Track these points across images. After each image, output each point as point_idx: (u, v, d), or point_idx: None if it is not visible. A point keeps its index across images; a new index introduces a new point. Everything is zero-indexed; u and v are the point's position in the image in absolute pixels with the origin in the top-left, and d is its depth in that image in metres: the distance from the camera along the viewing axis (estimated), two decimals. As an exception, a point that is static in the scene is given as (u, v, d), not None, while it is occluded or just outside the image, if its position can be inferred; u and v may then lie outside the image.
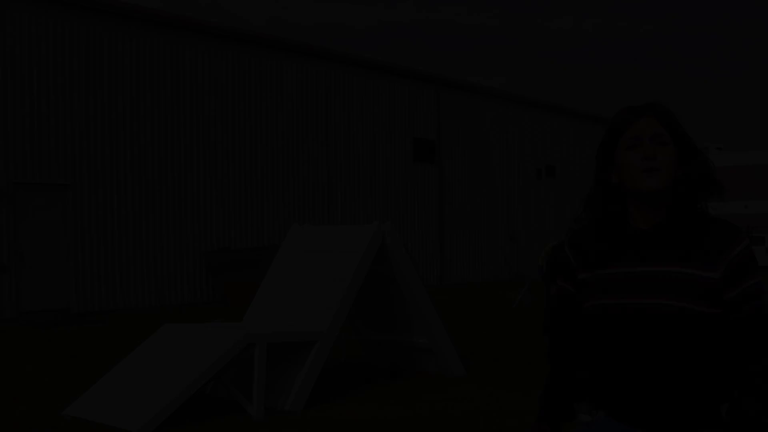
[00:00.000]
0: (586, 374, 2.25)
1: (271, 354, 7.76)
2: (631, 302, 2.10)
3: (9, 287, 14.89)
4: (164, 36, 17.57)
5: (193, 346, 7.56)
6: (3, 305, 14.80)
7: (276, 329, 7.99)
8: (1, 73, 14.98)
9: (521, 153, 27.84)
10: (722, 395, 2.11)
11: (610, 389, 2.16)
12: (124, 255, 16.60)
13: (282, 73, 19.98)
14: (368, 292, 8.84)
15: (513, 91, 28.58)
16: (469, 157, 25.76)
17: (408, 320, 8.97)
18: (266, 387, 7.37)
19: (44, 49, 15.55)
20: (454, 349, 9.25)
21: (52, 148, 15.62)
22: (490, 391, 8.20)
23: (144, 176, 17.03)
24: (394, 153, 23.04)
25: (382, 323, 9.32)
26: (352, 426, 6.79)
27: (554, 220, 29.19)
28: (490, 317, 14.83)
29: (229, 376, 7.84)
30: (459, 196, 25.32)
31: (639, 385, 2.10)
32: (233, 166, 18.73)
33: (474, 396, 8.02)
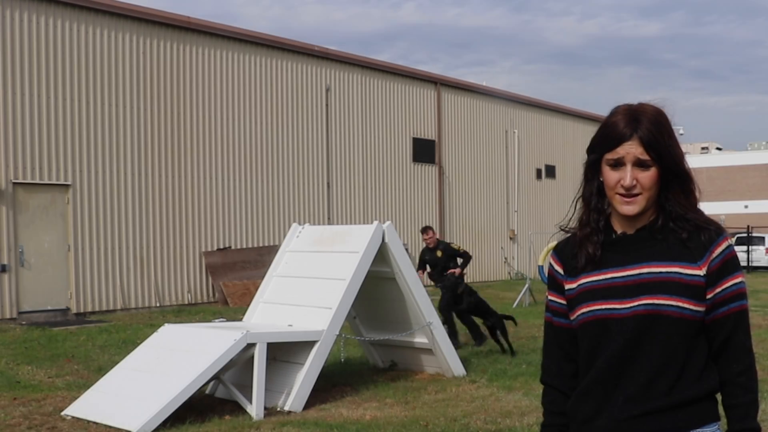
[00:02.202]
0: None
1: (271, 354, 7.76)
2: (618, 307, 2.09)
3: (9, 287, 14.89)
4: (165, 36, 17.56)
5: (193, 346, 7.56)
6: (3, 305, 14.80)
7: (276, 329, 8.00)
8: (0, 73, 14.98)
9: (521, 153, 27.84)
10: (706, 392, 2.10)
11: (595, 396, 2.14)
12: (124, 255, 16.59)
13: (282, 73, 19.98)
14: (368, 292, 8.84)
15: (513, 92, 28.59)
16: (469, 157, 25.75)
17: (408, 320, 8.97)
18: (266, 387, 7.37)
19: (44, 48, 15.54)
20: (454, 349, 9.25)
21: (52, 148, 15.61)
22: (490, 391, 8.20)
23: (144, 176, 17.02)
24: (394, 153, 23.04)
25: (382, 323, 9.32)
26: (353, 426, 6.78)
27: (554, 220, 29.12)
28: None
29: (229, 376, 7.84)
30: (459, 196, 25.31)
31: (628, 386, 2.09)
32: (233, 165, 18.72)
33: (474, 396, 8.02)
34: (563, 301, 2.24)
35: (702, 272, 2.08)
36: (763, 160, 49.27)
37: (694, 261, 2.08)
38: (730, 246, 2.11)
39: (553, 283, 2.29)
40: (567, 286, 2.22)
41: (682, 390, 2.07)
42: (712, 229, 2.11)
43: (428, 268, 12.42)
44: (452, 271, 11.73)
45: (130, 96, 16.85)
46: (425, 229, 12.39)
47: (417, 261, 12.79)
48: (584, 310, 2.15)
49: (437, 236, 12.53)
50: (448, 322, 10.72)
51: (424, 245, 12.46)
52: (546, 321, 2.33)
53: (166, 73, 17.52)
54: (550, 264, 2.30)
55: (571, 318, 2.20)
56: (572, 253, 2.22)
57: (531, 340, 11.69)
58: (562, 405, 2.26)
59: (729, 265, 2.10)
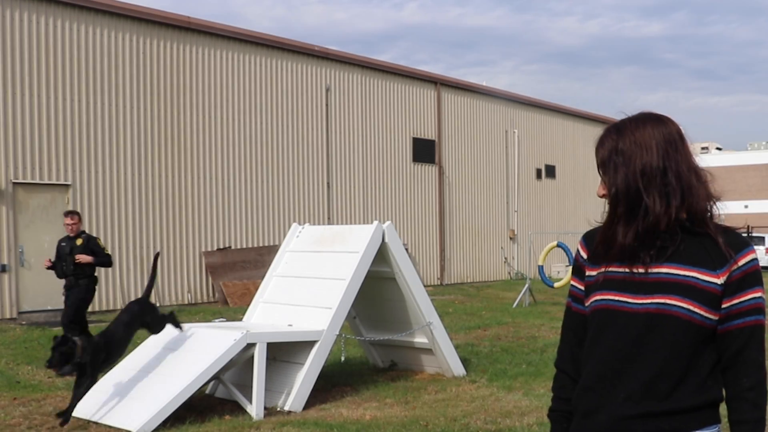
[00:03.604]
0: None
1: (271, 354, 7.76)
2: (630, 300, 2.11)
3: (9, 287, 14.89)
4: (165, 36, 17.56)
5: (193, 346, 7.56)
6: (3, 305, 14.79)
7: (276, 329, 8.00)
8: (0, 73, 14.98)
9: (521, 153, 27.84)
10: (708, 402, 2.10)
11: (592, 387, 2.16)
12: (124, 255, 16.60)
13: (282, 73, 19.98)
14: (368, 292, 8.84)
15: (514, 92, 28.58)
16: (469, 157, 25.75)
17: (408, 320, 8.97)
18: (266, 387, 7.37)
19: (44, 48, 15.54)
20: (454, 349, 9.25)
21: (52, 148, 15.61)
22: (490, 391, 8.21)
23: (144, 176, 17.03)
24: (394, 153, 23.04)
25: (382, 323, 9.32)
26: (352, 426, 6.78)
27: (554, 220, 29.18)
28: (490, 317, 14.83)
29: (229, 376, 7.84)
30: (459, 196, 25.31)
31: (627, 383, 2.10)
32: (233, 165, 18.72)
33: (474, 396, 8.02)
34: (583, 287, 2.28)
35: (720, 281, 2.08)
36: (763, 160, 49.28)
37: (714, 269, 2.08)
38: (754, 260, 2.11)
39: (577, 268, 2.32)
40: (588, 273, 2.25)
41: (684, 396, 2.07)
42: (739, 241, 2.12)
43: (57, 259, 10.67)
44: (81, 258, 10.23)
45: (130, 96, 16.85)
46: (69, 213, 10.55)
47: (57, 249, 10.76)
48: (597, 297, 2.18)
49: (81, 225, 10.63)
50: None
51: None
52: (566, 306, 2.38)
53: (166, 73, 17.52)
54: (577, 250, 2.35)
55: (586, 304, 2.23)
56: (596, 238, 2.26)
57: (531, 340, 11.69)
58: (570, 391, 2.28)
59: (750, 278, 2.09)
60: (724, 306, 2.08)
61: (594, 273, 2.23)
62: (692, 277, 2.08)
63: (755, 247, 31.06)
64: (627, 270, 2.15)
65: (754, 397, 2.08)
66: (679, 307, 2.06)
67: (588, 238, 2.31)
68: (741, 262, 2.09)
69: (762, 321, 2.11)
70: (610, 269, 2.18)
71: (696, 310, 2.06)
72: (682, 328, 2.06)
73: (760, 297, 2.10)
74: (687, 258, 2.10)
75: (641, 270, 2.13)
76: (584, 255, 2.29)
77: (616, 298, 2.14)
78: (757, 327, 2.09)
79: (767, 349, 2.18)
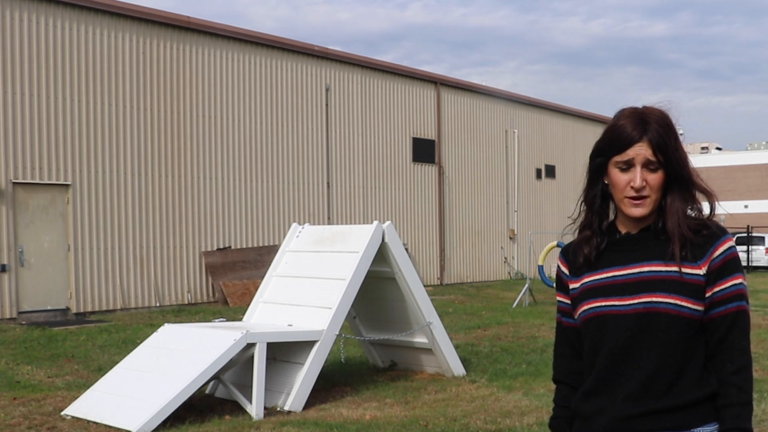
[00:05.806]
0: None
1: (271, 354, 7.76)
2: (618, 303, 2.12)
3: (9, 287, 14.89)
4: (165, 36, 17.56)
5: (193, 346, 7.56)
6: (3, 305, 14.79)
7: (276, 329, 8.00)
8: (0, 73, 14.98)
9: (521, 153, 27.84)
10: (706, 394, 2.11)
11: (593, 392, 2.17)
12: (124, 255, 16.60)
13: (282, 73, 19.98)
14: (368, 292, 8.84)
15: (517, 92, 28.59)
16: (469, 157, 25.76)
17: (408, 320, 8.97)
18: (266, 387, 7.38)
19: (44, 48, 15.55)
20: (454, 349, 9.25)
21: (52, 148, 15.61)
22: (490, 391, 8.21)
23: (144, 176, 17.03)
24: (394, 153, 23.04)
25: (382, 323, 9.32)
26: (352, 426, 6.78)
27: (554, 220, 29.17)
28: (490, 317, 14.83)
29: (229, 376, 7.85)
30: (459, 196, 25.31)
31: (626, 383, 2.11)
32: (233, 165, 18.72)
33: (474, 396, 8.02)
34: (569, 301, 2.29)
35: (702, 271, 2.10)
36: (763, 160, 49.28)
37: (695, 260, 2.11)
38: (732, 247, 2.13)
39: (560, 284, 2.34)
40: (571, 286, 2.27)
41: (682, 391, 2.08)
42: (715, 230, 2.13)
43: None
44: None
45: (130, 96, 16.85)
46: None
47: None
48: (586, 307, 2.19)
49: None
50: None
51: None
52: (557, 321, 2.39)
53: (166, 73, 17.52)
54: (558, 265, 2.36)
55: (575, 316, 2.25)
56: (576, 252, 2.27)
57: (531, 340, 11.69)
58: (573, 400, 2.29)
59: (730, 265, 2.11)
60: (707, 295, 2.10)
61: (577, 285, 2.24)
62: (675, 271, 2.09)
63: (755, 247, 30.92)
64: (609, 275, 2.16)
65: (739, 381, 2.09)
66: (666, 303, 2.08)
67: (566, 253, 2.32)
68: (720, 250, 2.11)
69: (744, 307, 2.13)
70: (592, 278, 2.20)
71: (683, 303, 2.08)
72: (672, 323, 2.08)
73: (740, 283, 2.12)
74: (667, 253, 2.12)
75: (623, 272, 2.14)
76: (565, 270, 2.31)
77: (604, 303, 2.15)
78: (739, 313, 2.11)
79: (751, 334, 2.19)
